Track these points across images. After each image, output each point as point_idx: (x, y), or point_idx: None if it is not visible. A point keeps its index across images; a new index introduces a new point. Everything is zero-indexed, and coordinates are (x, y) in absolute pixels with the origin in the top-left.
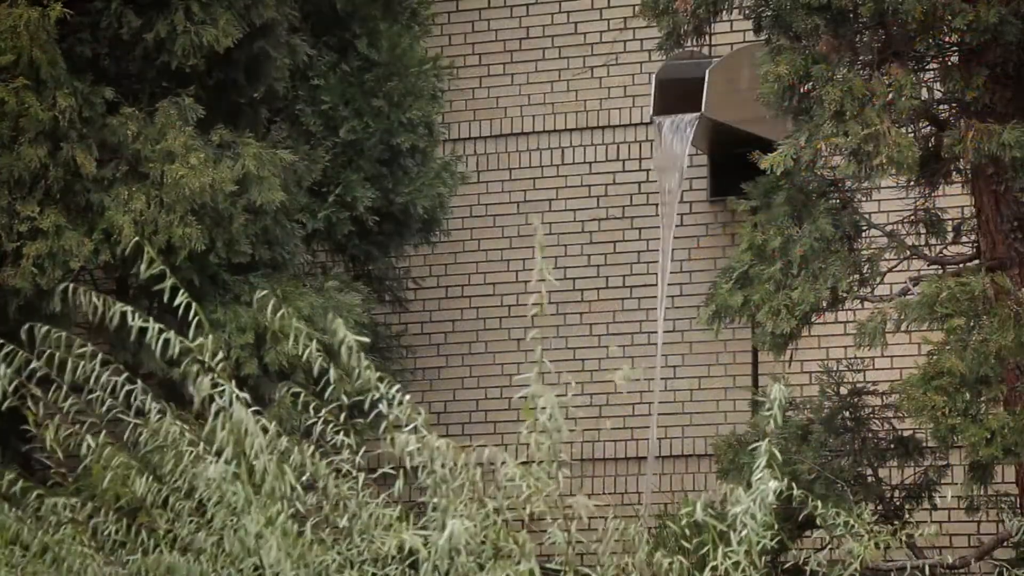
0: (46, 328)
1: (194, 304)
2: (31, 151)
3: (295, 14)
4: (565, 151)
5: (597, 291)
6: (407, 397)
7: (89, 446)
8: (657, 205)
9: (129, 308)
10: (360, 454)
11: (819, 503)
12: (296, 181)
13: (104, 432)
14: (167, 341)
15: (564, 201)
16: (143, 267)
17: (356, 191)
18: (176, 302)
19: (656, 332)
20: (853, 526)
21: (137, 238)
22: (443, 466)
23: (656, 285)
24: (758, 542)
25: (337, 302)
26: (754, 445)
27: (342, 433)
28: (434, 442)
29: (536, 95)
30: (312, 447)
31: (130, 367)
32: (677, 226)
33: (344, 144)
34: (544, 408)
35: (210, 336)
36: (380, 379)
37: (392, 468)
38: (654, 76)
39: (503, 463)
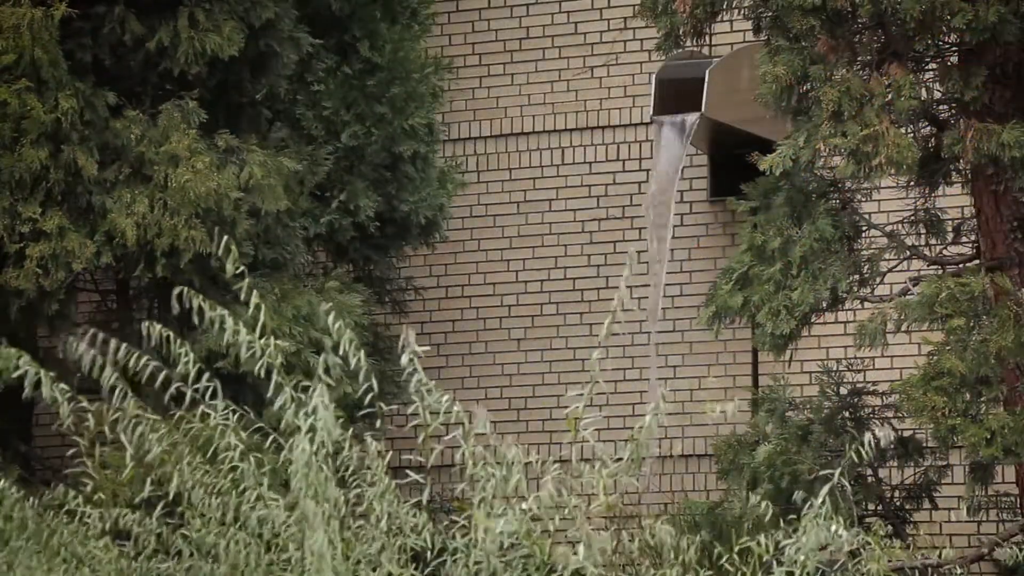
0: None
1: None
2: (32, 152)
3: (295, 12)
4: (565, 151)
5: (597, 291)
6: (456, 406)
7: (138, 450)
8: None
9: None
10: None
11: None
12: (298, 181)
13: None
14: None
15: (564, 201)
16: (228, 266)
17: (360, 199)
18: (251, 301)
19: (654, 332)
20: (868, 542)
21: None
22: (503, 469)
23: (655, 286)
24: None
25: (337, 302)
26: (827, 475)
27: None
28: (510, 451)
29: (536, 95)
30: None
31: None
32: (677, 226)
33: (346, 149)
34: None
35: (275, 338)
36: (429, 389)
37: (420, 475)
38: (654, 76)
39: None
